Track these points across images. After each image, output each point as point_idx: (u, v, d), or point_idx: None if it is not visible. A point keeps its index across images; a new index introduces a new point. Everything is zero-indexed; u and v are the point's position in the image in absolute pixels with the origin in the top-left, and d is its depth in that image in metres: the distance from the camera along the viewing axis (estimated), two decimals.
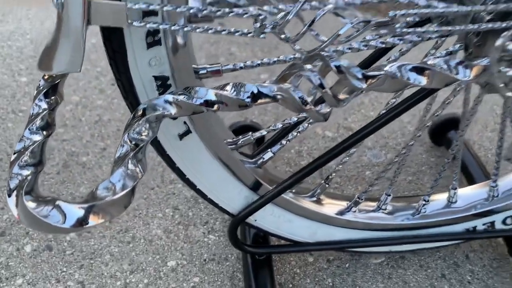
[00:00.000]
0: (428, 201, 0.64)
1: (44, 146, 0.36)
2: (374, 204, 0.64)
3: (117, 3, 0.35)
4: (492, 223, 0.66)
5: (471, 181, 0.78)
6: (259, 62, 0.45)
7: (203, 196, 0.54)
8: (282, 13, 0.37)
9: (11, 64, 1.00)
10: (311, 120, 0.54)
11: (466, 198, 0.66)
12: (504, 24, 0.36)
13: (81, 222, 0.33)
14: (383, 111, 0.54)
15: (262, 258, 0.63)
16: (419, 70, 0.37)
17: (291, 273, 0.66)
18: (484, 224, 0.66)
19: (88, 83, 0.97)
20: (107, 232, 0.70)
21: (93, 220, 0.33)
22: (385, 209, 0.64)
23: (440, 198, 0.67)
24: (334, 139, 0.90)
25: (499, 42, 0.32)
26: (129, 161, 0.33)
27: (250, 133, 0.54)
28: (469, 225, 0.66)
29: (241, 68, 0.45)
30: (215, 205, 0.55)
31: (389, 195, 0.64)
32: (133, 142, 0.34)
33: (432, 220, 0.65)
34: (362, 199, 0.62)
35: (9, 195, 0.33)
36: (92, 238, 0.68)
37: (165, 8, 0.36)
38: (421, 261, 0.69)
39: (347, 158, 0.59)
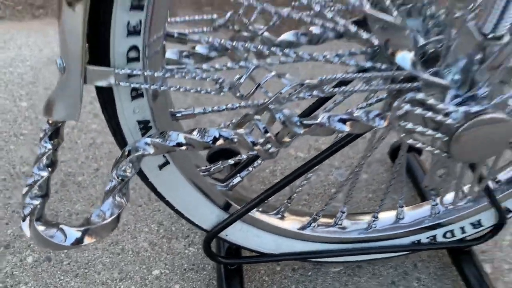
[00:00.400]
0: (377, 217, 0.74)
1: (49, 180, 0.46)
2: (331, 220, 0.74)
3: (107, 69, 0.45)
4: (434, 236, 0.76)
5: (423, 198, 0.89)
6: (224, 107, 0.55)
7: (181, 215, 0.64)
8: (237, 76, 0.47)
9: (12, 90, 1.10)
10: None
11: (412, 215, 0.76)
12: (409, 85, 0.47)
13: (78, 241, 0.43)
14: (334, 142, 0.64)
15: (234, 267, 0.73)
16: (344, 120, 0.47)
17: (260, 281, 0.76)
18: (427, 238, 0.76)
19: (83, 108, 1.06)
20: (99, 244, 0.79)
21: (87, 240, 0.43)
22: (341, 225, 0.74)
23: (389, 215, 0.77)
24: (305, 159, 1.00)
25: (395, 104, 0.43)
26: (116, 194, 0.43)
27: (220, 162, 0.64)
28: (414, 238, 0.76)
29: (209, 111, 0.55)
30: (192, 222, 0.65)
31: (344, 212, 0.74)
32: (120, 178, 0.44)
33: (383, 234, 0.75)
34: (319, 216, 0.72)
35: (23, 220, 0.42)
36: (86, 250, 0.78)
37: (145, 73, 0.46)
38: (374, 269, 0.79)
39: (305, 181, 0.69)
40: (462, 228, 0.75)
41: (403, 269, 0.79)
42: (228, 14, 0.57)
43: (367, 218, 0.75)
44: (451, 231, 0.75)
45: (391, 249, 0.76)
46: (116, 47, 0.45)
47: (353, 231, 0.75)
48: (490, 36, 0.39)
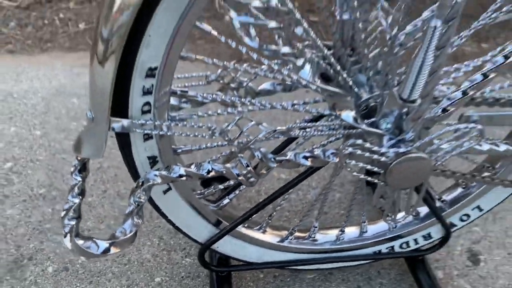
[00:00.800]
0: (344, 231, 0.88)
1: (80, 206, 0.59)
2: (306, 234, 0.88)
3: (127, 120, 0.60)
4: (392, 247, 0.90)
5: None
6: (215, 144, 0.70)
7: (180, 230, 0.78)
8: (226, 124, 0.61)
9: (27, 120, 1.23)
10: None
11: (374, 229, 0.91)
12: (354, 131, 0.62)
13: (106, 251, 0.56)
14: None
15: (224, 275, 0.87)
16: (306, 157, 0.62)
17: (246, 286, 0.90)
18: (386, 248, 0.90)
19: None
20: (109, 256, 0.92)
21: (113, 250, 0.56)
22: (314, 237, 0.88)
23: (355, 229, 0.91)
24: (287, 180, 1.15)
25: (341, 147, 0.57)
26: (134, 216, 0.57)
27: (212, 186, 0.78)
28: (376, 249, 0.90)
29: (204, 148, 0.70)
30: (188, 237, 0.79)
31: (316, 227, 0.88)
32: (136, 203, 0.58)
33: (349, 245, 0.89)
34: (295, 231, 0.86)
35: (65, 236, 0.56)
36: (98, 261, 0.91)
37: (155, 123, 0.60)
38: (343, 276, 0.93)
39: (283, 202, 0.84)
40: (415, 240, 0.89)
41: (368, 275, 0.94)
42: (219, 71, 0.72)
43: (335, 232, 0.89)
44: (407, 242, 0.90)
45: (356, 258, 0.90)
46: (133, 103, 0.59)
47: (324, 242, 0.89)
48: (406, 100, 0.54)
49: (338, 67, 0.62)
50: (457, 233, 0.97)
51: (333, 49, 0.71)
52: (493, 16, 0.64)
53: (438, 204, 0.87)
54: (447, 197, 0.87)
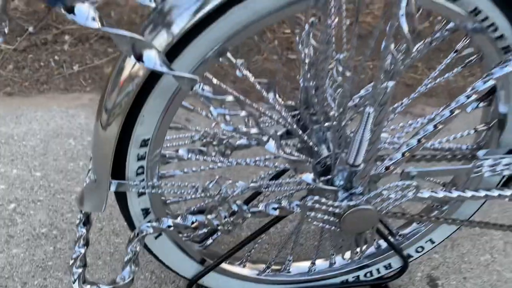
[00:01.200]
0: (315, 263, 1.00)
1: (86, 255, 0.70)
2: (281, 267, 1.00)
3: (124, 181, 0.71)
4: (358, 276, 1.02)
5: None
6: (199, 195, 0.82)
7: (169, 268, 0.89)
8: (207, 182, 0.73)
9: (27, 162, 1.34)
10: None
11: (342, 261, 1.03)
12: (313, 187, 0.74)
13: None
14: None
15: None
16: (275, 208, 0.74)
17: None
18: (353, 277, 1.02)
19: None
20: None
21: None
22: (289, 270, 1.00)
23: (325, 262, 1.03)
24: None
25: (301, 202, 0.70)
26: (132, 264, 0.68)
27: (197, 230, 0.89)
28: (343, 278, 1.02)
29: (189, 199, 0.82)
30: (176, 273, 0.90)
31: (290, 260, 1.00)
32: (132, 252, 0.69)
33: (320, 275, 1.01)
34: (272, 264, 0.98)
35: (74, 282, 0.67)
36: None
37: (148, 183, 0.72)
38: None
39: (260, 239, 0.95)
40: (378, 270, 1.02)
41: None
42: (202, 131, 0.84)
43: (307, 264, 1.01)
44: (370, 272, 1.02)
45: (327, 287, 1.02)
46: (130, 167, 0.71)
47: (297, 274, 1.00)
48: (352, 165, 0.67)
49: (300, 132, 0.74)
50: (419, 260, 1.09)
51: (298, 109, 0.84)
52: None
53: (397, 238, 0.99)
54: (404, 231, 1.00)
